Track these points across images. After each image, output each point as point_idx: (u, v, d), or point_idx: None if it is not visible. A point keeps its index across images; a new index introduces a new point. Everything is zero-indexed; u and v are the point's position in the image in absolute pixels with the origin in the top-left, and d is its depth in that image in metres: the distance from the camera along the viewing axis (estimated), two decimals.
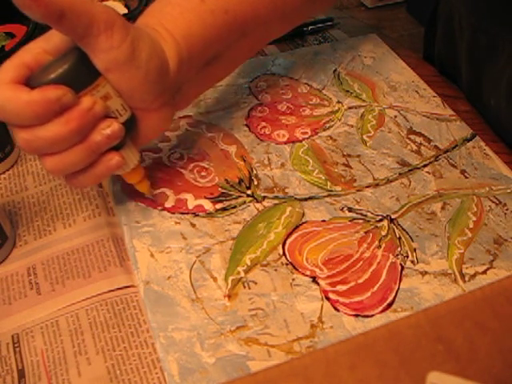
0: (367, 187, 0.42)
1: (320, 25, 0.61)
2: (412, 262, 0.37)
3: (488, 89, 0.49)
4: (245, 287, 0.36)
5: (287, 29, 0.45)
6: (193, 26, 0.36)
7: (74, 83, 0.31)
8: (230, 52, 0.40)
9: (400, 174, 0.44)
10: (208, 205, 0.41)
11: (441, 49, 0.59)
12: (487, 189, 0.42)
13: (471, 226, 0.40)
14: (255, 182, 0.42)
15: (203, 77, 0.40)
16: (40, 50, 0.32)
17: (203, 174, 0.43)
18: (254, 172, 0.43)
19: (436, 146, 0.46)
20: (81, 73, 0.32)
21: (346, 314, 0.34)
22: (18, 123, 0.31)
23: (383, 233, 0.39)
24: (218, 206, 0.41)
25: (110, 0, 0.61)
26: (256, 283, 0.36)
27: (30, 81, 0.31)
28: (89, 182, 0.35)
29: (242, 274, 0.36)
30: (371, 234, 0.39)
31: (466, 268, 0.37)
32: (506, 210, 0.41)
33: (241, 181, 0.43)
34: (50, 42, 0.32)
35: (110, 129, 0.32)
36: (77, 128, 0.31)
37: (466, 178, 0.43)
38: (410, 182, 0.43)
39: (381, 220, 0.40)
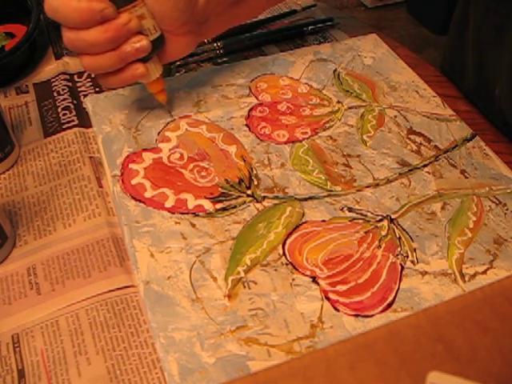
0: (367, 187, 0.42)
1: (320, 25, 0.61)
2: (412, 262, 0.37)
3: (492, 77, 0.50)
4: (245, 287, 0.36)
5: None
6: None
7: (116, 0, 0.37)
8: None
9: (400, 173, 0.44)
10: (208, 205, 0.41)
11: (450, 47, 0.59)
12: (487, 189, 0.42)
13: (471, 225, 0.40)
14: (255, 182, 0.42)
15: (228, 15, 0.45)
16: None
17: (203, 173, 0.43)
18: (254, 172, 0.43)
19: (436, 146, 0.46)
20: None
21: (346, 313, 0.34)
22: (66, 24, 0.37)
23: (383, 233, 0.39)
24: (218, 206, 0.41)
25: None
26: (256, 283, 0.36)
27: None
28: (115, 84, 0.42)
29: (242, 274, 0.36)
30: (371, 234, 0.39)
31: (466, 268, 0.37)
32: (506, 210, 0.41)
33: (241, 181, 0.43)
34: None
35: (139, 43, 0.39)
36: (112, 37, 0.37)
37: (466, 177, 0.43)
38: (410, 181, 0.43)
39: (381, 220, 0.40)
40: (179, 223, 0.39)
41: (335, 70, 0.53)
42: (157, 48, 0.41)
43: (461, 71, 0.56)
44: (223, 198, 0.41)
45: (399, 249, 0.38)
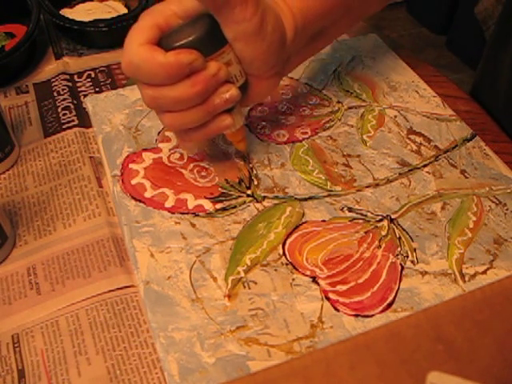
0: (367, 187, 0.42)
1: None
2: (412, 262, 0.37)
3: (503, 70, 0.49)
4: (245, 287, 0.36)
5: (382, 6, 0.48)
6: (309, 0, 0.38)
7: (203, 49, 0.34)
8: (335, 27, 0.42)
9: (400, 174, 0.44)
10: (208, 205, 0.41)
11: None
12: (487, 189, 0.42)
13: (471, 225, 0.40)
14: (255, 182, 0.42)
15: (308, 49, 0.42)
16: (171, 13, 0.34)
17: (203, 173, 0.43)
18: (254, 172, 0.43)
19: (436, 146, 0.46)
20: (211, 40, 0.34)
21: (346, 313, 0.34)
22: (149, 82, 0.34)
23: (383, 233, 0.39)
24: (218, 205, 0.41)
25: (110, 0, 0.61)
26: (256, 283, 0.36)
27: (162, 43, 0.34)
28: (198, 139, 0.38)
29: (242, 274, 0.36)
30: (371, 234, 0.39)
31: (466, 268, 0.37)
32: (506, 210, 0.41)
33: (241, 181, 0.43)
34: (181, 6, 0.35)
35: (229, 93, 0.35)
36: (201, 91, 0.34)
37: (466, 177, 0.43)
38: (410, 181, 0.43)
39: (381, 220, 0.40)
40: (179, 223, 0.39)
41: (335, 70, 0.53)
42: (243, 94, 0.37)
43: (493, 90, 0.55)
44: (223, 198, 0.41)
45: (399, 249, 0.38)
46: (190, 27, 0.34)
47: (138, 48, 0.33)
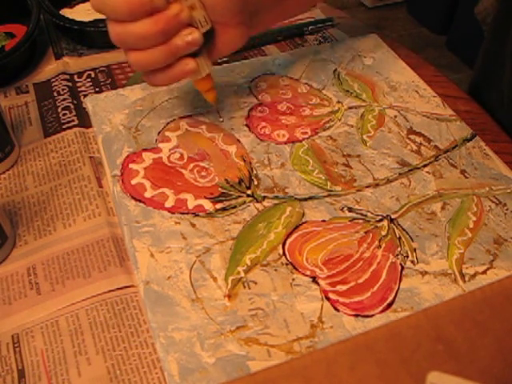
0: (367, 187, 0.42)
1: (320, 25, 0.61)
2: (412, 262, 0.37)
3: (502, 66, 0.49)
4: (245, 287, 0.36)
5: None
6: None
7: None
8: None
9: (400, 174, 0.44)
10: (208, 205, 0.41)
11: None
12: (487, 189, 0.42)
13: (471, 225, 0.40)
14: (255, 182, 0.42)
15: (279, 9, 0.43)
16: None
17: (203, 173, 0.43)
18: (254, 172, 0.43)
19: (436, 146, 0.46)
20: None
21: (346, 313, 0.34)
22: (114, 17, 0.36)
23: (383, 233, 0.39)
24: (218, 206, 0.41)
25: None
26: (256, 283, 0.36)
27: None
28: (164, 82, 0.39)
29: (242, 274, 0.36)
30: (371, 234, 0.39)
31: (466, 268, 0.37)
32: (506, 210, 0.41)
33: (241, 181, 0.43)
34: None
35: (191, 36, 0.37)
36: (162, 29, 0.35)
37: (466, 177, 0.43)
38: (410, 181, 0.43)
39: (381, 220, 0.40)
40: (179, 223, 0.39)
41: (335, 70, 0.53)
42: (207, 42, 0.39)
43: (494, 87, 0.55)
44: (223, 198, 0.41)
45: (399, 249, 0.38)
46: None
47: None
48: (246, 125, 0.47)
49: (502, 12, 0.55)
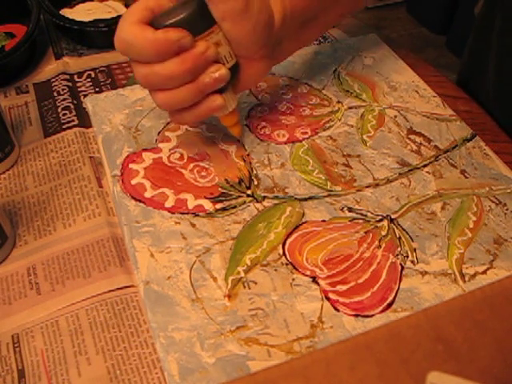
0: (367, 187, 0.42)
1: None
2: (412, 262, 0.37)
3: (489, 55, 0.50)
4: (245, 287, 0.36)
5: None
6: None
7: (192, 28, 0.35)
8: (325, 15, 0.44)
9: (400, 174, 0.44)
10: (208, 205, 0.41)
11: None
12: (487, 189, 0.42)
13: (471, 225, 0.40)
14: (255, 182, 0.42)
15: (300, 35, 0.43)
16: None
17: (203, 173, 0.43)
18: (254, 172, 0.43)
19: (436, 146, 0.46)
20: (199, 19, 0.36)
21: (346, 314, 0.34)
22: (139, 59, 0.35)
23: (383, 233, 0.39)
24: (218, 206, 0.41)
25: (110, 0, 0.61)
26: (256, 283, 0.36)
27: (153, 23, 0.35)
28: (190, 119, 0.39)
29: (242, 274, 0.36)
30: (371, 234, 0.39)
31: (466, 268, 0.37)
32: (506, 210, 0.41)
33: (241, 181, 0.43)
34: None
35: (218, 72, 0.36)
36: (190, 68, 0.35)
37: (466, 177, 0.43)
38: (410, 181, 0.43)
39: (381, 220, 0.40)
40: (179, 223, 0.39)
41: (335, 70, 0.53)
42: (233, 76, 0.39)
43: (481, 75, 0.56)
44: (223, 198, 0.41)
45: (399, 249, 0.38)
46: (180, 8, 0.35)
47: (129, 26, 0.35)
48: (246, 125, 0.47)
49: (487, 5, 0.56)
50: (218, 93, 0.38)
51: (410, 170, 0.44)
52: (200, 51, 0.35)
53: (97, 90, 0.53)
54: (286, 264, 0.37)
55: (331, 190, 0.42)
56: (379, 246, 0.38)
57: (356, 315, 0.34)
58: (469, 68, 0.60)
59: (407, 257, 0.38)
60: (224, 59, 0.37)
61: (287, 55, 0.44)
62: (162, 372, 0.33)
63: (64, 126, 0.49)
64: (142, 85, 0.37)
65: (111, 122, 0.47)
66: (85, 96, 0.51)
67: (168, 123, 0.47)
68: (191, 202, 0.41)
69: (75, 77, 0.54)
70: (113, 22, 0.55)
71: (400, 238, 0.39)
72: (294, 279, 0.36)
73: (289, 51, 0.44)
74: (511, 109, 0.51)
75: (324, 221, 0.40)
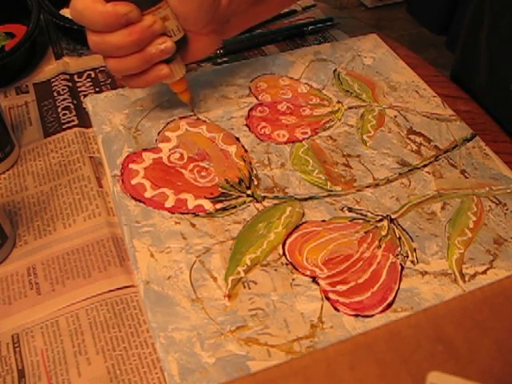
0: (367, 187, 0.42)
1: (320, 25, 0.61)
2: (412, 262, 0.37)
3: (506, 74, 0.51)
4: (245, 287, 0.36)
5: None
6: None
7: (140, 3, 0.37)
8: None
9: (400, 173, 0.44)
10: (208, 205, 0.41)
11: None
12: (487, 189, 0.42)
13: (471, 226, 0.40)
14: (255, 182, 0.42)
15: (249, 14, 0.45)
16: None
17: (203, 173, 0.43)
18: (254, 172, 0.43)
19: (436, 146, 0.46)
20: None
21: (346, 313, 0.34)
22: (91, 28, 0.38)
23: (383, 233, 0.39)
24: (218, 206, 0.41)
25: None
26: (256, 283, 0.36)
27: None
28: (140, 85, 0.42)
29: (242, 274, 0.36)
30: (371, 234, 0.39)
31: (466, 268, 0.37)
32: (506, 210, 0.41)
33: (241, 181, 0.43)
34: None
35: (164, 45, 0.39)
36: (137, 40, 0.38)
37: (466, 177, 0.43)
38: (410, 181, 0.43)
39: (381, 220, 0.40)
40: (179, 223, 0.39)
41: (335, 70, 0.53)
42: (180, 49, 0.41)
43: (473, 69, 0.56)
44: (223, 198, 0.41)
45: (399, 249, 0.38)
46: None
47: None
48: (246, 125, 0.47)
49: (476, 3, 0.57)
50: (165, 62, 0.41)
51: (410, 170, 0.44)
52: (147, 25, 0.38)
53: (97, 89, 0.53)
54: (286, 264, 0.37)
55: (331, 190, 0.42)
56: (379, 246, 0.38)
57: (356, 315, 0.34)
58: (461, 63, 0.61)
59: (407, 257, 0.38)
60: (172, 32, 0.40)
61: (238, 31, 0.46)
62: (162, 372, 0.33)
63: (64, 126, 0.49)
64: (93, 50, 0.39)
65: (111, 122, 0.47)
66: (85, 96, 0.51)
67: (168, 123, 0.47)
68: (191, 202, 0.41)
69: (75, 77, 0.54)
70: None
71: (400, 238, 0.39)
72: (294, 279, 0.36)
73: (238, 28, 0.46)
74: (503, 101, 0.51)
75: (324, 221, 0.40)
